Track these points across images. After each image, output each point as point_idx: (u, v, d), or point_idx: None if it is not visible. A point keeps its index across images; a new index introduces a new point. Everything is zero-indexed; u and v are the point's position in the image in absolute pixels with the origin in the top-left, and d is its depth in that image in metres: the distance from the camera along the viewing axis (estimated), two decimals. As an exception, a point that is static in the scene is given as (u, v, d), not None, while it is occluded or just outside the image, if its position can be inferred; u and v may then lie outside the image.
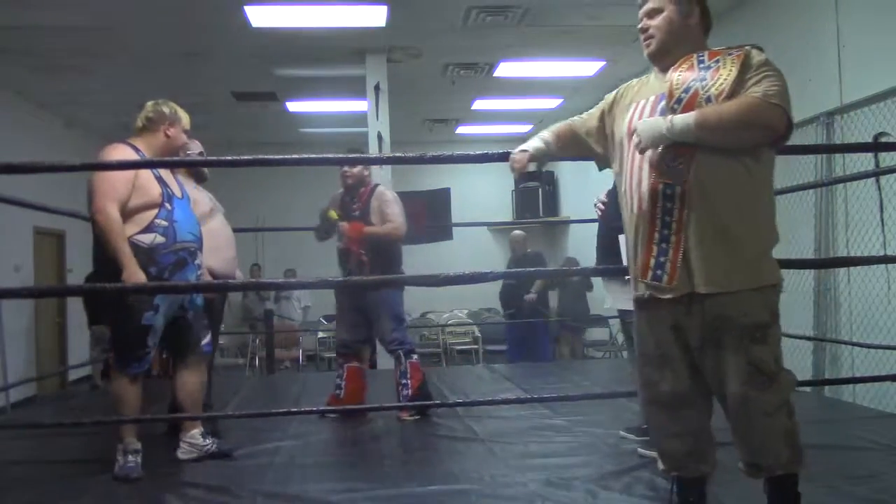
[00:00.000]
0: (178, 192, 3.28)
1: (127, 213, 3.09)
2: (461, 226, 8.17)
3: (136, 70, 7.92)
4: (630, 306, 2.40)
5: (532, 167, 2.57)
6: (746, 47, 2.14)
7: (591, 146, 2.45)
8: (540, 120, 11.21)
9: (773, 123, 2.03)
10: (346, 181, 4.37)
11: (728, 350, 2.09)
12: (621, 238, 3.36)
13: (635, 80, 2.37)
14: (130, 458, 3.12)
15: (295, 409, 4.07)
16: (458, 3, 6.40)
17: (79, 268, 9.80)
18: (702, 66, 2.13)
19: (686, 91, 2.11)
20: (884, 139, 4.48)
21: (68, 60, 7.47)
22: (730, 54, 2.13)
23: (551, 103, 10.16)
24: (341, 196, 4.48)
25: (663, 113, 2.14)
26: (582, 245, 10.39)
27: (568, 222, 11.52)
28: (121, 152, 3.18)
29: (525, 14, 6.62)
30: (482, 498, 2.79)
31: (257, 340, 9.12)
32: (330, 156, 3.70)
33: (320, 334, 10.19)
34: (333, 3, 6.40)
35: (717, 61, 2.12)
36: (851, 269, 5.03)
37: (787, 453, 2.11)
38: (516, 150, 2.59)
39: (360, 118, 8.12)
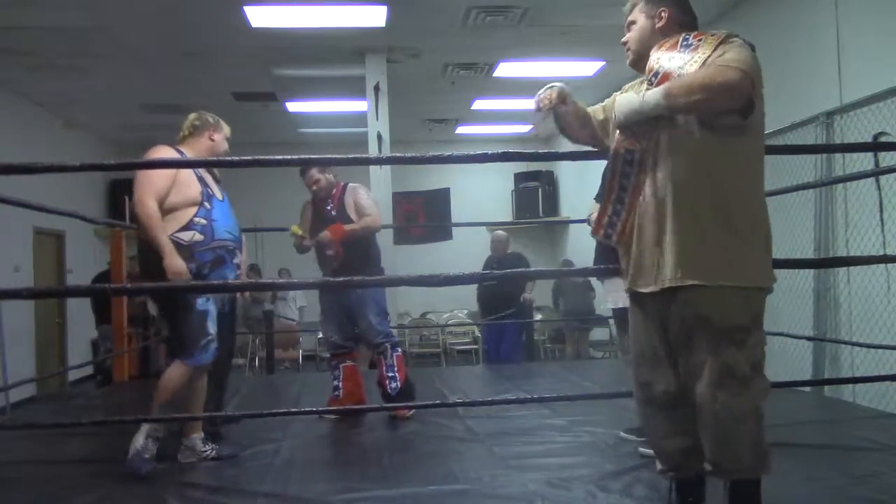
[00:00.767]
0: (218, 195, 3.42)
1: (167, 210, 3.20)
2: (461, 226, 8.17)
3: (136, 70, 7.93)
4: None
5: (552, 112, 2.48)
6: (731, 34, 2.18)
7: (597, 135, 2.53)
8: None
9: (735, 84, 2.04)
10: (316, 190, 4.37)
11: (702, 350, 2.10)
12: None
13: (637, 80, 2.42)
14: (150, 446, 3.13)
15: (295, 409, 4.07)
16: (458, 3, 6.40)
17: (78, 268, 9.82)
18: (685, 43, 2.19)
19: (663, 66, 2.18)
20: (883, 139, 4.49)
21: (68, 60, 7.47)
22: (713, 34, 2.19)
23: (551, 103, 10.16)
24: (313, 201, 4.47)
25: (645, 90, 2.21)
26: (581, 245, 10.41)
27: (567, 222, 11.52)
28: (163, 152, 3.32)
29: (525, 14, 6.63)
30: (482, 498, 2.79)
31: (257, 341, 9.12)
32: (329, 156, 3.70)
33: (320, 334, 10.18)
34: (333, 3, 6.40)
35: (700, 40, 2.18)
36: (851, 268, 5.03)
37: (750, 459, 2.12)
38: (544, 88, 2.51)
39: (360, 118, 8.12)
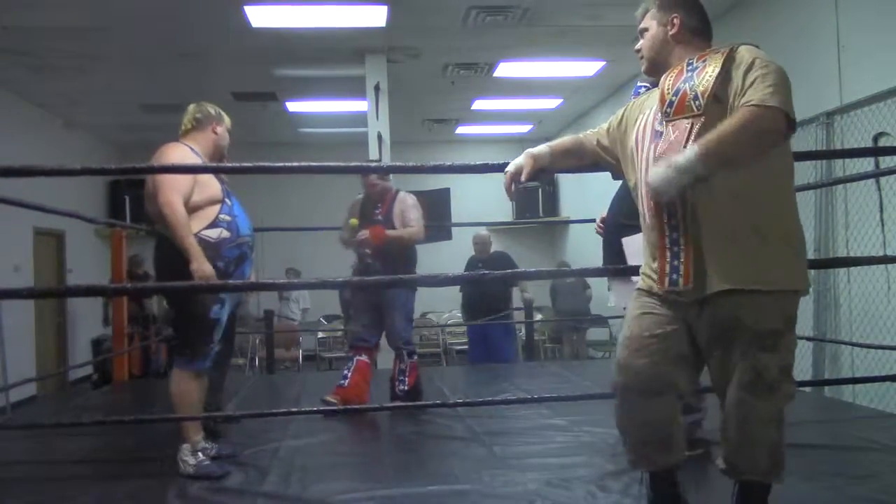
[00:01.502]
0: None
1: (192, 209, 3.16)
2: (461, 226, 8.13)
3: (136, 70, 7.93)
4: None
5: (521, 186, 2.50)
6: (735, 45, 2.15)
7: (603, 157, 2.48)
8: (539, 120, 11.22)
9: (773, 127, 2.00)
10: (370, 193, 4.63)
11: (735, 353, 2.09)
12: (624, 240, 3.37)
13: (641, 97, 2.40)
14: (202, 456, 3.14)
15: (295, 409, 4.08)
16: (458, 3, 6.40)
17: (78, 268, 9.83)
18: (690, 68, 2.16)
19: (675, 94, 2.14)
20: (883, 139, 4.49)
21: (68, 60, 7.47)
22: (717, 52, 2.15)
23: (551, 103, 10.17)
24: (362, 201, 4.70)
25: (660, 120, 2.16)
26: (581, 245, 10.42)
27: (567, 222, 11.51)
28: (181, 151, 3.26)
29: (525, 14, 6.62)
30: (482, 498, 2.79)
31: (257, 340, 9.12)
32: (331, 164, 3.70)
33: (320, 334, 10.19)
34: (333, 4, 6.41)
35: (705, 61, 2.14)
36: (851, 269, 5.03)
37: (767, 463, 2.12)
38: (511, 163, 2.52)
39: (360, 118, 8.12)
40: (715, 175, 1.99)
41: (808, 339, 5.14)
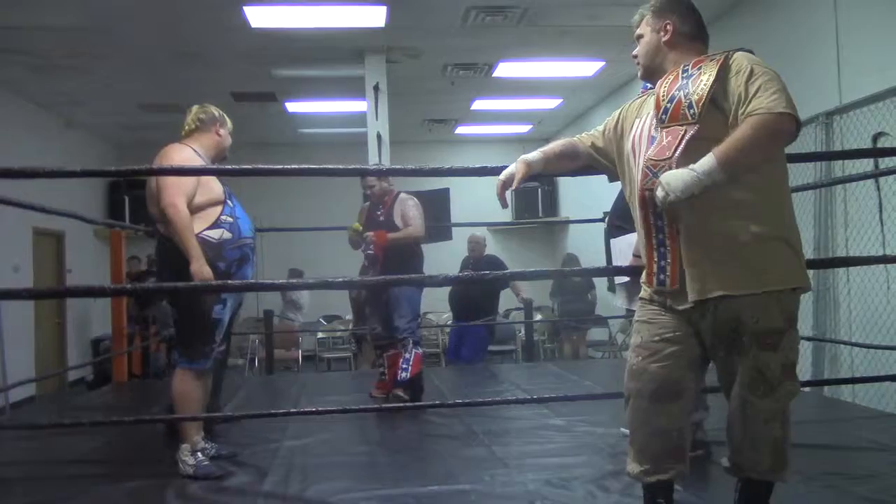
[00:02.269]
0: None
1: (194, 210, 3.16)
2: (461, 226, 8.14)
3: (136, 70, 7.93)
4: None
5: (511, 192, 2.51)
6: (729, 52, 2.15)
7: (597, 159, 2.48)
8: (539, 120, 11.21)
9: (787, 130, 2.03)
10: (369, 194, 4.79)
11: (737, 353, 2.10)
12: (613, 241, 3.38)
13: (638, 100, 2.40)
14: (201, 456, 3.15)
15: (294, 410, 4.08)
16: (458, 3, 6.40)
17: (78, 268, 9.82)
18: (685, 75, 2.16)
19: (671, 101, 2.14)
20: (883, 139, 4.49)
21: (68, 60, 7.47)
22: (712, 59, 2.15)
23: (550, 103, 10.17)
24: (368, 207, 4.88)
25: (655, 126, 2.17)
26: (581, 245, 10.41)
27: (567, 222, 11.51)
28: (184, 152, 3.26)
29: (524, 14, 6.62)
30: (482, 498, 2.79)
31: (256, 341, 9.12)
32: (332, 167, 3.70)
33: (320, 335, 10.18)
34: (333, 4, 6.41)
35: (700, 68, 2.14)
36: (851, 269, 5.03)
37: (770, 462, 2.12)
38: (504, 171, 2.52)
39: (360, 118, 8.12)
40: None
41: (808, 339, 5.14)
